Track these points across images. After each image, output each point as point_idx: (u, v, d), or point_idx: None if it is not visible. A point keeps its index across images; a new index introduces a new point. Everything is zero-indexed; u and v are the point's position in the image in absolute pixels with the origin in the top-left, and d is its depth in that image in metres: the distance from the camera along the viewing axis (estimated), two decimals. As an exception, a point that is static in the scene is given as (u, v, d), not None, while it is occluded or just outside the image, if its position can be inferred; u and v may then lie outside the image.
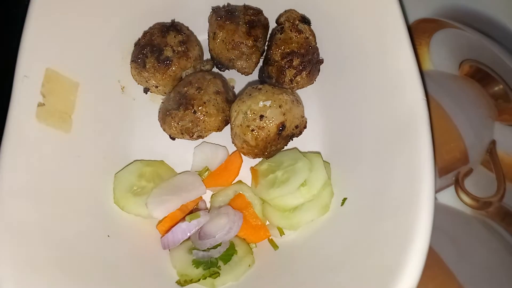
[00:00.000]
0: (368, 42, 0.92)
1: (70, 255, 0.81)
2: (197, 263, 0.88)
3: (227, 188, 0.99)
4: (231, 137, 0.95)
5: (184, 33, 1.02)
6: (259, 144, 0.90)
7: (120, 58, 1.05)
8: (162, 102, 1.03)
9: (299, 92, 1.02)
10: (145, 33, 1.03)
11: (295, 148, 1.00)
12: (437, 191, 1.04)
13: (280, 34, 0.98)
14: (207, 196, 1.00)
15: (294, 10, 1.01)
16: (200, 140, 1.03)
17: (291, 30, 0.97)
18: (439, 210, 1.01)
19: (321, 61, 1.01)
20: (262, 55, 1.05)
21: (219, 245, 0.90)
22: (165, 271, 0.89)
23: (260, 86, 0.92)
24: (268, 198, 0.93)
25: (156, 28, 1.02)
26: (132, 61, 1.02)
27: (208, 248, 0.90)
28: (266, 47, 1.05)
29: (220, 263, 0.89)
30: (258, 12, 1.05)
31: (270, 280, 0.87)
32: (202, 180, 0.98)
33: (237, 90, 1.09)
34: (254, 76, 1.08)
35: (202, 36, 1.08)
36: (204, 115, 0.94)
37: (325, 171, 0.92)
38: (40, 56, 0.89)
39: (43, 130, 0.86)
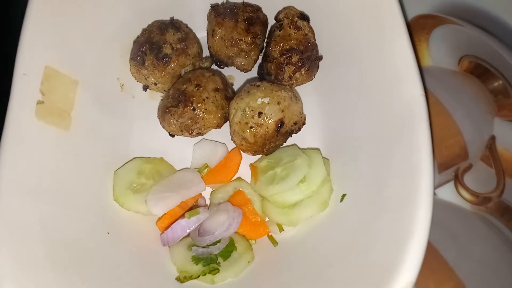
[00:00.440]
0: (367, 38, 0.92)
1: (69, 252, 0.82)
2: (196, 259, 0.88)
3: (227, 184, 0.99)
4: (230, 134, 0.95)
5: (183, 31, 1.02)
6: (258, 141, 0.90)
7: (119, 55, 1.05)
8: (161, 100, 1.03)
9: (298, 88, 1.02)
10: (144, 30, 1.03)
11: (294, 144, 1.00)
12: (436, 186, 1.04)
13: (279, 31, 0.98)
14: (206, 193, 1.00)
15: (293, 6, 1.01)
16: (200, 137, 1.03)
17: (290, 27, 0.97)
18: (439, 206, 1.01)
19: (320, 58, 1.01)
20: (261, 52, 1.05)
21: (219, 241, 0.90)
22: (164, 268, 0.90)
23: (258, 83, 0.92)
24: (268, 194, 0.93)
25: (155, 26, 1.02)
26: (131, 58, 1.02)
27: (207, 245, 0.90)
28: (265, 44, 1.05)
29: (220, 259, 0.89)
30: (257, 9, 1.05)
31: (270, 276, 0.87)
32: (202, 177, 0.98)
33: (236, 87, 1.09)
34: (253, 73, 1.08)
35: (201, 34, 1.08)
36: (203, 112, 0.94)
37: (324, 167, 0.92)
38: (39, 54, 0.89)
39: (42, 128, 0.86)
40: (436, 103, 1.09)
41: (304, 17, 1.00)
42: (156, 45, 0.99)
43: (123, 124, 1.04)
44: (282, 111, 0.89)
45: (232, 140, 0.96)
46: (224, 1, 1.08)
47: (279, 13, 1.02)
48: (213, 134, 1.01)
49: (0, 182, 0.78)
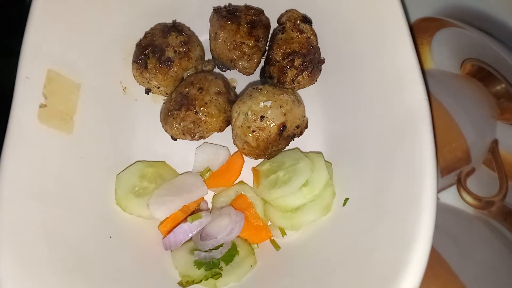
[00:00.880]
0: (369, 41, 0.92)
1: (71, 256, 0.82)
2: (199, 264, 0.88)
3: (229, 188, 0.99)
4: (232, 138, 0.95)
5: (186, 34, 1.02)
6: (260, 144, 0.90)
7: (122, 59, 1.05)
8: (163, 103, 1.03)
9: (301, 92, 1.02)
10: (146, 33, 1.03)
11: (297, 148, 1.00)
12: (439, 190, 1.03)
13: (282, 34, 0.98)
14: (208, 196, 1.00)
15: (295, 10, 1.01)
16: (202, 141, 1.03)
17: (292, 30, 0.97)
18: (441, 210, 1.01)
19: (323, 61, 1.01)
20: (263, 55, 1.05)
21: (221, 245, 0.90)
22: (167, 272, 0.90)
23: (260, 87, 0.92)
24: (270, 198, 0.93)
25: (157, 29, 1.02)
26: (133, 61, 1.02)
27: (210, 249, 0.90)
28: (267, 47, 1.05)
29: (222, 264, 0.89)
30: (260, 12, 1.05)
31: (272, 280, 0.87)
32: (204, 181, 0.98)
33: (238, 90, 1.09)
34: (256, 76, 1.08)
35: (204, 37, 1.08)
36: (205, 115, 0.94)
37: (327, 171, 0.92)
38: (42, 57, 0.89)
39: (45, 131, 0.87)
40: (438, 106, 1.09)
41: (306, 20, 1.00)
42: (158, 48, 0.99)
43: (125, 128, 1.04)
44: (284, 114, 0.88)
45: (234, 144, 0.96)
46: (227, 4, 1.08)
47: (281, 16, 1.02)
48: (215, 137, 1.01)
49: (3, 185, 0.78)
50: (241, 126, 0.90)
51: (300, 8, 1.02)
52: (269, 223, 0.96)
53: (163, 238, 0.92)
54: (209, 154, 1.03)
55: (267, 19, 1.06)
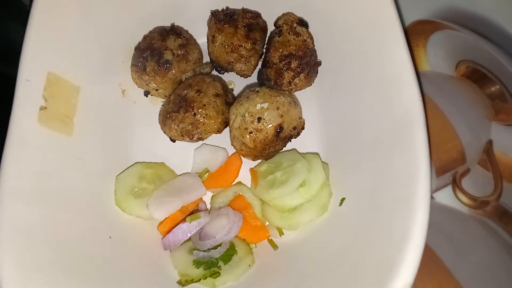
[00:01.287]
0: (364, 44, 0.93)
1: (72, 256, 0.83)
2: (197, 263, 0.89)
3: (227, 189, 1.00)
4: (230, 140, 0.96)
5: (184, 37, 1.03)
6: (257, 146, 0.91)
7: (121, 62, 1.06)
8: (162, 105, 1.04)
9: (297, 94, 1.03)
10: (145, 37, 1.04)
11: (294, 149, 1.01)
12: (434, 190, 1.04)
13: (278, 36, 0.99)
14: (207, 197, 1.01)
15: (292, 13, 1.02)
16: (200, 142, 1.04)
17: (289, 33, 0.98)
18: (437, 210, 1.02)
19: (319, 63, 1.02)
20: (260, 58, 1.06)
21: (220, 245, 0.91)
22: (166, 272, 0.91)
23: (257, 89, 0.93)
24: (268, 198, 0.94)
25: (156, 32, 1.03)
26: (132, 64, 1.03)
27: (208, 249, 0.91)
28: (264, 50, 1.06)
29: (221, 263, 0.90)
30: (257, 15, 1.06)
31: (270, 279, 0.88)
32: (202, 182, 0.99)
33: (236, 93, 1.10)
34: (253, 78, 1.09)
35: (202, 40, 1.09)
36: (204, 117, 0.95)
37: (324, 172, 0.93)
38: (42, 60, 0.90)
39: (45, 133, 0.87)
40: (434, 107, 1.10)
41: (303, 23, 1.01)
42: (157, 51, 1.00)
43: (124, 130, 1.05)
44: (281, 116, 0.90)
45: (232, 145, 0.96)
46: (224, 8, 1.09)
47: (278, 19, 1.03)
48: (213, 139, 1.02)
49: (4, 186, 0.79)
50: (239, 127, 0.91)
51: (296, 12, 1.03)
52: (267, 223, 0.97)
53: (162, 238, 0.93)
54: (207, 156, 1.03)
55: (264, 22, 1.07)
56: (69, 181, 0.89)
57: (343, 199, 0.90)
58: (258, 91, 0.92)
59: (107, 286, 0.83)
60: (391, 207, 0.78)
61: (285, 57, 0.97)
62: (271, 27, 1.06)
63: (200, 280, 0.88)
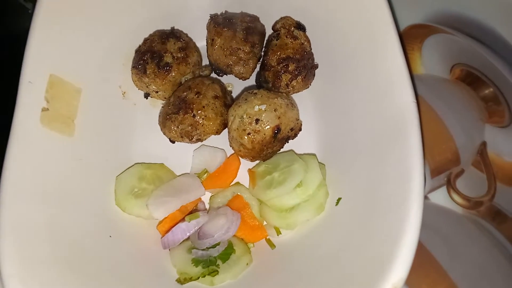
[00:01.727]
0: (360, 47, 0.95)
1: (73, 254, 0.84)
2: (196, 261, 0.90)
3: (226, 189, 1.01)
4: (229, 141, 0.97)
5: (183, 40, 1.04)
6: (255, 147, 0.92)
7: (121, 64, 1.07)
8: (162, 107, 1.05)
9: (295, 96, 1.04)
10: (145, 40, 1.05)
11: (291, 150, 1.02)
12: (429, 191, 1.06)
13: (276, 40, 1.00)
14: (206, 197, 1.02)
15: (289, 17, 1.03)
16: (199, 143, 1.05)
17: (286, 36, 0.99)
18: (432, 210, 1.03)
19: (316, 66, 1.03)
20: (259, 61, 1.07)
21: (218, 244, 0.92)
22: (165, 270, 0.91)
23: (255, 91, 0.94)
24: (265, 198, 0.95)
25: (156, 35, 1.04)
26: (133, 67, 1.04)
27: (207, 248, 0.92)
28: (262, 53, 1.07)
29: (219, 261, 0.90)
30: (255, 19, 1.07)
31: (267, 278, 0.89)
32: (201, 182, 1.00)
33: (234, 95, 1.11)
34: (251, 81, 1.09)
35: (201, 43, 1.10)
36: (203, 119, 0.96)
37: (320, 172, 0.94)
38: (44, 63, 0.91)
39: (47, 134, 0.89)
40: (429, 110, 1.11)
41: (300, 27, 1.01)
42: (157, 54, 1.01)
43: (124, 131, 1.05)
44: (279, 117, 0.91)
45: (230, 146, 0.98)
46: (223, 11, 1.10)
47: (276, 23, 1.03)
48: (212, 140, 1.03)
49: (7, 186, 0.80)
50: (237, 129, 0.92)
51: (294, 15, 1.04)
52: (265, 222, 0.98)
53: (161, 237, 0.94)
54: (206, 156, 1.04)
55: (262, 26, 1.08)
56: (70, 181, 0.90)
57: (339, 199, 0.92)
58: (256, 93, 0.93)
59: (107, 283, 0.84)
60: (385, 206, 0.80)
61: (283, 60, 0.98)
62: (269, 31, 1.07)
63: (198, 278, 0.89)
